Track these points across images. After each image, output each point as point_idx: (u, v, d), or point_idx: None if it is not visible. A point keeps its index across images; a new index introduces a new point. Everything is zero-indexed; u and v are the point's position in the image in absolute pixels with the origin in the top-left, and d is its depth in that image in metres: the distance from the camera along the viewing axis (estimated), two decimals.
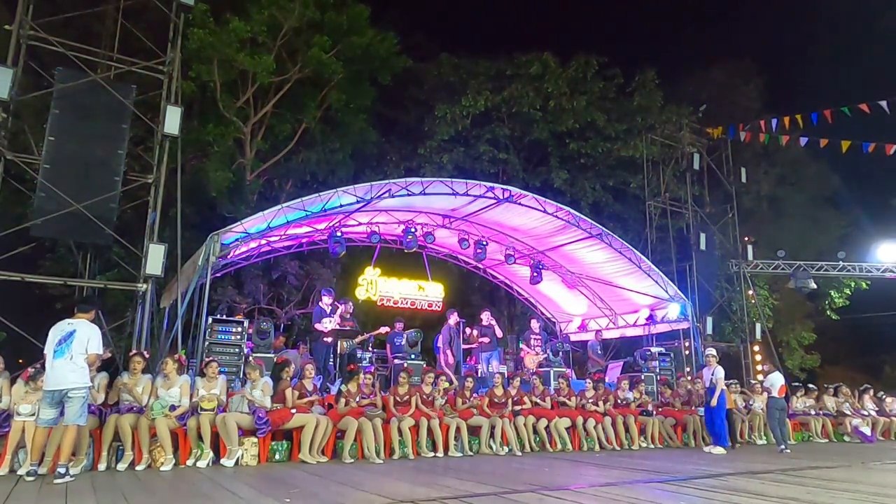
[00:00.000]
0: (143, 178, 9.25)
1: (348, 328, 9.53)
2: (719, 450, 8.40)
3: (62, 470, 5.04)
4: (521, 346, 12.06)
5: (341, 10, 16.06)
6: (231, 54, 14.18)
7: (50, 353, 5.14)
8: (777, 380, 9.46)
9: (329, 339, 9.41)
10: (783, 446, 8.75)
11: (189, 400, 6.45)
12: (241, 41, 14.43)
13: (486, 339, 11.10)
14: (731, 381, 10.76)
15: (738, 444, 9.55)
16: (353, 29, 16.17)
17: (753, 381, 12.24)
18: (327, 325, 9.34)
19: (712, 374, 8.80)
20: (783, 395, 9.38)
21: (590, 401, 9.11)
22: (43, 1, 8.93)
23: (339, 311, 9.47)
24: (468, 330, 11.29)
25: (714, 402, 8.69)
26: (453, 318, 10.98)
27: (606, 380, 10.35)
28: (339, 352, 9.55)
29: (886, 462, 7.60)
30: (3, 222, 8.67)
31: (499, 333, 11.03)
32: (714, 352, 9.31)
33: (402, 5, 23.59)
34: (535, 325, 12.10)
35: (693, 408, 9.89)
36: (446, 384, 8.23)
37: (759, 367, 17.24)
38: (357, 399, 7.29)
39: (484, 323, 11.22)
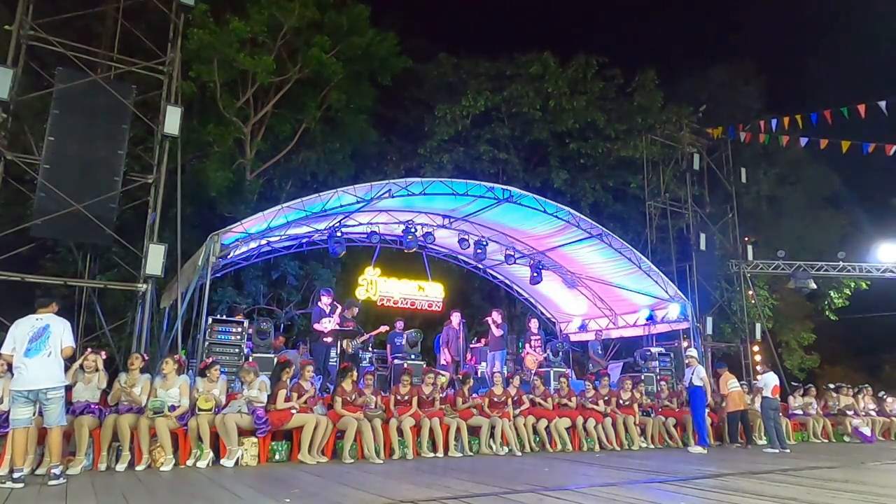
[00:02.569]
0: (143, 178, 9.25)
1: (349, 328, 9.53)
2: (698, 449, 8.42)
3: (56, 471, 4.98)
4: (524, 346, 12.07)
5: (341, 10, 16.06)
6: (231, 54, 14.17)
7: (21, 350, 4.92)
8: (770, 380, 9.47)
9: (329, 339, 9.40)
10: (779, 447, 8.74)
11: (189, 400, 6.45)
12: (241, 41, 14.43)
13: (497, 335, 11.00)
14: (741, 382, 10.78)
15: (740, 444, 9.55)
16: (353, 29, 16.16)
17: (754, 382, 12.23)
18: (327, 325, 9.33)
19: (692, 374, 8.82)
20: (777, 395, 9.37)
21: (589, 400, 9.11)
22: (43, 1, 8.93)
23: (337, 311, 9.46)
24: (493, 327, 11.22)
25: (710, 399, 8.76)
26: (456, 318, 10.97)
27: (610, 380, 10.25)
28: (340, 351, 9.56)
29: (886, 462, 7.60)
30: (3, 222, 8.68)
31: (497, 333, 10.98)
32: (694, 353, 9.33)
33: (403, 5, 23.60)
34: (533, 325, 12.12)
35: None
36: (443, 379, 8.23)
37: (758, 368, 17.22)
38: (353, 397, 7.29)
39: (498, 321, 11.12)
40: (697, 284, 15.38)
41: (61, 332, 5.10)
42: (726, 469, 6.45)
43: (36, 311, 5.19)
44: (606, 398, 9.22)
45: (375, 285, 13.29)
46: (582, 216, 11.98)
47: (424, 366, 9.87)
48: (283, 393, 6.80)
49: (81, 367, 6.30)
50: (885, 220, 21.28)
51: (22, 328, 5.03)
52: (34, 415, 5.08)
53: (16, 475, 4.83)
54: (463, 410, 8.00)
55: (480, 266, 14.59)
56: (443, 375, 8.44)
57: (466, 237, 12.37)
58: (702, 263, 15.87)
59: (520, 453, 7.82)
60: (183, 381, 6.54)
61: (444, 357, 10.71)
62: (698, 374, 8.80)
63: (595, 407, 8.97)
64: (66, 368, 5.68)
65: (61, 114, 8.38)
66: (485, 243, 12.34)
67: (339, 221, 11.20)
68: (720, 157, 18.17)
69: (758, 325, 16.91)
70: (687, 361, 9.22)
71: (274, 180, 16.33)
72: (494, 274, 15.16)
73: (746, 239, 17.77)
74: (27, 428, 5.02)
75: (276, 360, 8.63)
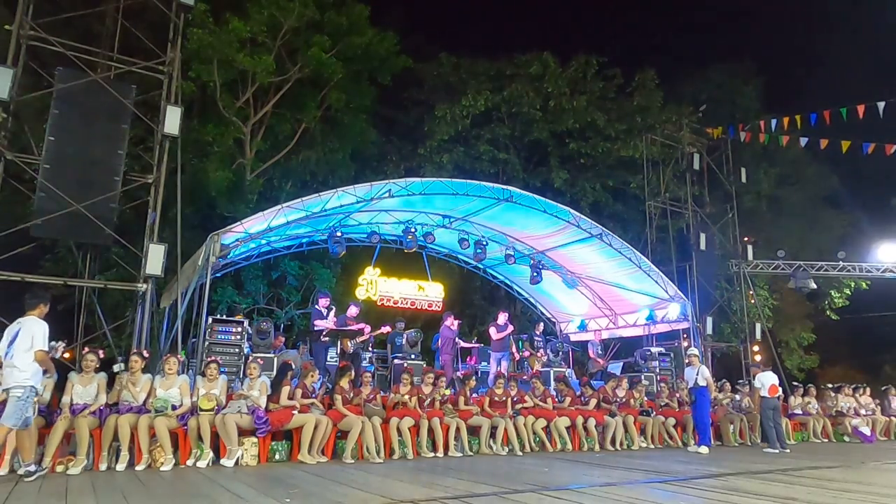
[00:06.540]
0: (143, 178, 9.24)
1: (350, 328, 9.54)
2: (703, 449, 8.39)
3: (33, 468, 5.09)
4: (524, 348, 12.07)
5: (341, 10, 16.07)
6: (231, 54, 14.18)
7: (1, 354, 5.10)
8: (767, 379, 9.34)
9: (328, 339, 9.43)
10: (778, 447, 8.71)
11: (189, 400, 6.46)
12: (241, 41, 14.43)
13: (503, 334, 10.97)
14: (741, 381, 10.71)
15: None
16: (353, 29, 16.17)
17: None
18: (325, 325, 9.36)
19: (696, 374, 8.77)
20: (776, 395, 9.28)
21: (588, 398, 9.12)
22: (43, 1, 8.92)
23: (332, 313, 9.53)
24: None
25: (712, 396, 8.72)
26: (450, 321, 10.95)
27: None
28: (340, 350, 9.58)
29: (886, 462, 7.60)
30: (3, 222, 8.66)
31: (497, 335, 10.92)
32: (695, 351, 9.26)
33: (403, 5, 23.63)
34: (539, 328, 12.17)
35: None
36: (444, 390, 8.15)
37: (758, 368, 17.22)
38: (351, 395, 7.29)
39: (500, 322, 11.14)
40: (697, 284, 15.37)
41: (30, 335, 5.05)
42: (726, 469, 6.44)
43: (25, 314, 5.25)
44: (610, 398, 9.22)
45: (375, 285, 13.29)
46: (582, 216, 11.98)
47: (424, 366, 9.88)
48: (286, 390, 6.82)
49: (80, 367, 6.31)
50: (885, 220, 21.28)
51: (6, 332, 5.18)
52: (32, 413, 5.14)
53: (27, 470, 5.07)
54: (463, 410, 7.99)
55: (480, 266, 14.60)
56: (443, 386, 8.33)
57: (466, 237, 12.37)
58: (702, 263, 15.86)
59: (520, 453, 7.82)
60: (183, 381, 6.55)
61: (443, 361, 10.68)
62: (703, 375, 8.74)
63: (587, 407, 8.96)
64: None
65: (61, 114, 8.37)
66: (485, 243, 12.35)
67: (339, 221, 11.21)
68: (720, 157, 18.17)
69: (758, 325, 16.89)
70: (688, 360, 9.14)
71: (274, 180, 16.34)
72: (494, 274, 15.16)
73: (746, 239, 17.75)
74: (26, 427, 5.07)
75: (275, 359, 8.65)
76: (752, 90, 23.04)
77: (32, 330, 5.08)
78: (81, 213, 8.05)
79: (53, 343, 5.82)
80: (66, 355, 6.11)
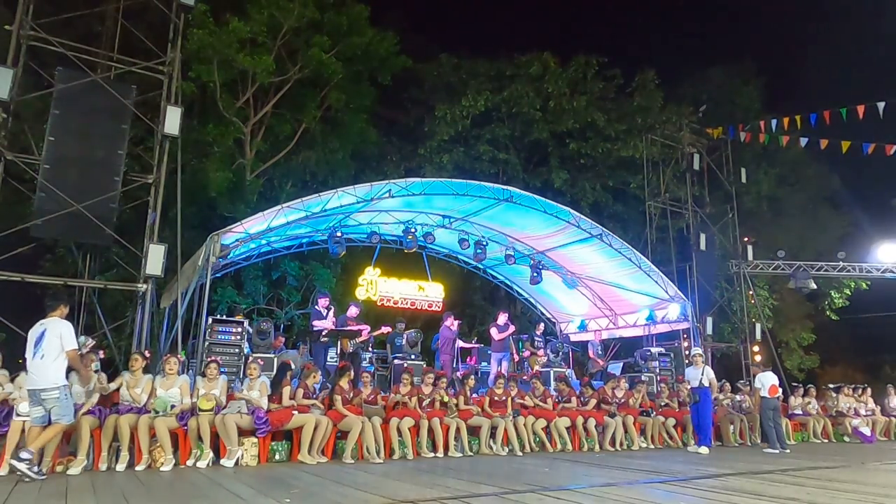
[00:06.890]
0: (143, 178, 9.25)
1: (350, 328, 9.55)
2: (704, 450, 8.38)
3: (36, 469, 5.14)
4: (524, 348, 12.07)
5: (341, 10, 16.08)
6: (231, 54, 14.18)
7: (28, 355, 5.17)
8: (767, 379, 9.32)
9: (327, 339, 9.43)
10: (778, 447, 8.70)
11: (189, 400, 6.46)
12: (241, 41, 14.44)
13: (504, 334, 10.95)
14: (743, 382, 10.66)
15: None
16: (353, 29, 16.19)
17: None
18: (324, 325, 9.37)
19: (701, 374, 8.76)
20: (776, 395, 9.27)
21: (588, 398, 9.12)
22: (43, 1, 8.92)
23: (331, 313, 9.53)
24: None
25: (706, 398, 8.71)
26: (450, 321, 10.95)
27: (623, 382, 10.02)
28: (340, 350, 9.58)
29: (886, 462, 7.60)
30: (3, 222, 8.67)
31: (497, 336, 10.88)
32: (700, 351, 9.24)
33: (403, 5, 23.64)
34: (539, 328, 12.16)
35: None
36: (445, 397, 8.12)
37: (759, 368, 17.21)
38: (350, 396, 7.29)
39: (501, 323, 11.12)
40: (697, 284, 15.36)
41: (57, 335, 5.16)
42: (726, 469, 6.44)
43: (46, 316, 5.34)
44: (606, 399, 9.21)
45: (375, 285, 13.29)
46: (582, 216, 11.98)
47: (424, 366, 9.87)
48: (287, 390, 6.83)
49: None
50: (885, 220, 21.26)
51: (30, 334, 5.25)
52: (47, 414, 5.19)
53: (34, 468, 5.05)
54: (463, 410, 7.99)
55: (480, 266, 14.60)
56: (442, 390, 8.29)
57: (466, 237, 12.37)
58: (702, 263, 15.85)
59: (520, 453, 7.82)
60: (183, 381, 6.55)
61: (442, 361, 10.67)
62: (708, 375, 8.72)
63: (586, 407, 8.96)
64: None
65: (61, 114, 8.37)
66: (485, 243, 12.34)
67: (340, 221, 11.21)
68: (720, 157, 18.15)
69: (758, 325, 16.88)
70: (690, 360, 9.11)
71: (274, 180, 16.34)
72: (494, 274, 15.16)
73: (746, 239, 17.74)
74: (42, 426, 5.15)
75: (275, 359, 8.66)
76: (752, 90, 23.03)
77: (60, 330, 5.19)
78: (81, 214, 8.05)
79: (82, 339, 5.86)
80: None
